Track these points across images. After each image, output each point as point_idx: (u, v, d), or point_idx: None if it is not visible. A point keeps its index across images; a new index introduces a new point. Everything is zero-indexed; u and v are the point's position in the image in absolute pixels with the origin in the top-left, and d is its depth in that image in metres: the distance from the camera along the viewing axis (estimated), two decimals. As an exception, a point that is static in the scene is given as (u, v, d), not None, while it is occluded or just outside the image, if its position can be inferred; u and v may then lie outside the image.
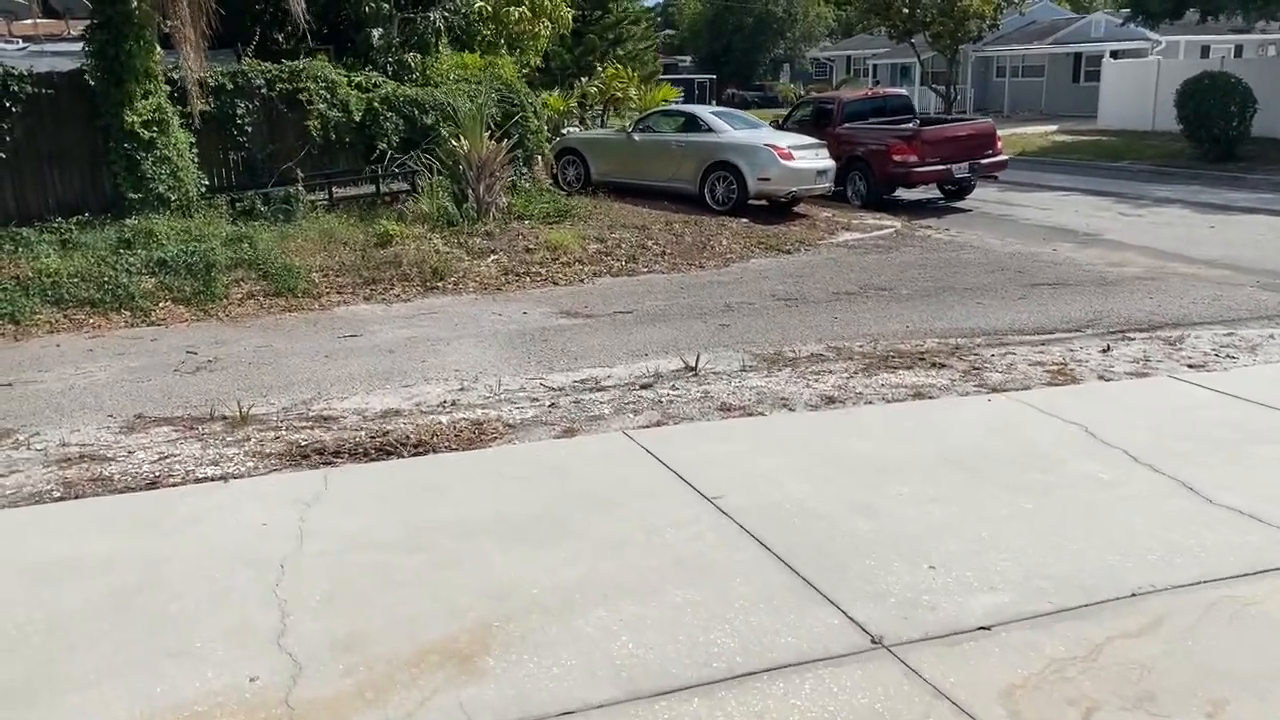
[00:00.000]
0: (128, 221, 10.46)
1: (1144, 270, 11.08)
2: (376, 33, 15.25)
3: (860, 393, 6.45)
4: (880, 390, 6.52)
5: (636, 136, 15.28)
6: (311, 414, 6.38)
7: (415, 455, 5.27)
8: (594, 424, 5.80)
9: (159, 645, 3.40)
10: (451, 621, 3.52)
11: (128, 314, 9.22)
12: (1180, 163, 21.22)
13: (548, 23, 16.24)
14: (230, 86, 12.11)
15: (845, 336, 8.28)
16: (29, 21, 15.16)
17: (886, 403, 6.24)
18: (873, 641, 3.43)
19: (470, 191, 11.75)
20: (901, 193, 16.61)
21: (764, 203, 14.47)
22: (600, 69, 17.18)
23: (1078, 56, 35.75)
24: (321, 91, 12.69)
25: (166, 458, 5.40)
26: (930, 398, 6.37)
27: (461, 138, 11.84)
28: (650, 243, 11.98)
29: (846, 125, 16.63)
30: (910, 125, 16.55)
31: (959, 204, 16.70)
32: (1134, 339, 8.04)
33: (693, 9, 68.64)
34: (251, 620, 3.54)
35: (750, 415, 5.96)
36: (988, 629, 3.52)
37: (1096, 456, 5.21)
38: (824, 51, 59.63)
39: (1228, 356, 7.38)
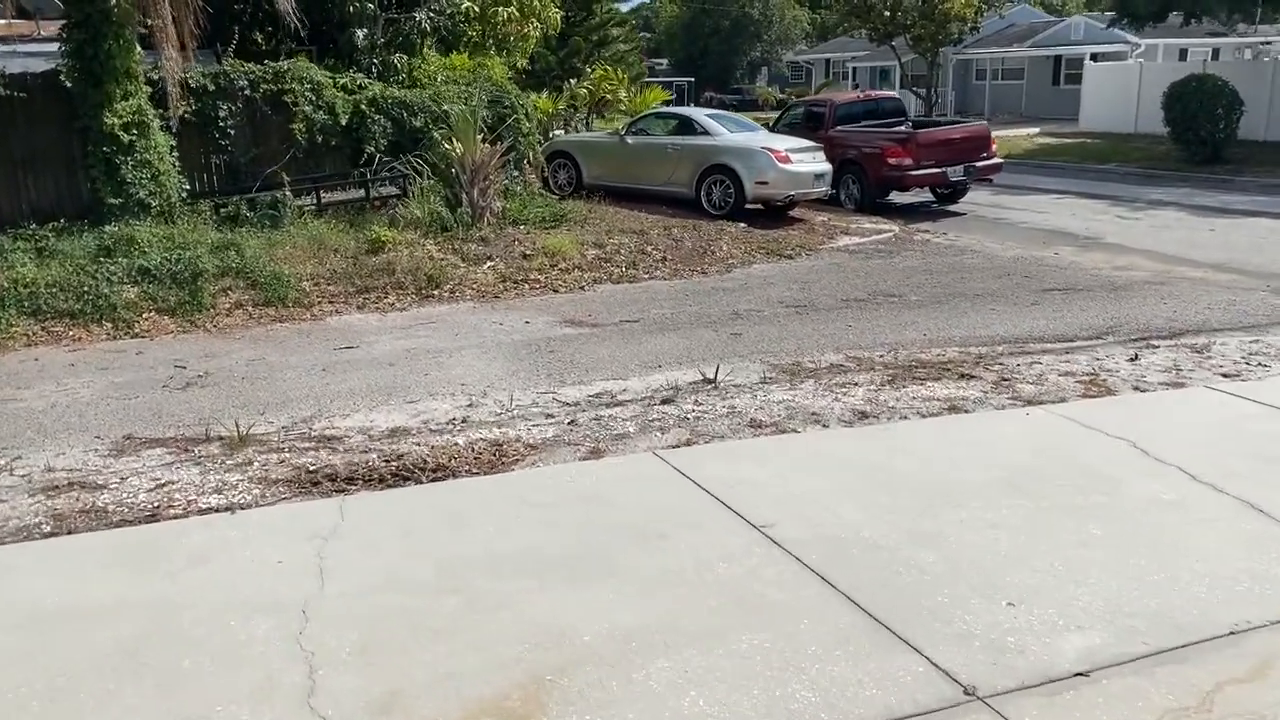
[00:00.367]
0: (107, 228, 10.00)
1: (1151, 274, 10.90)
2: (361, 33, 14.83)
3: (893, 406, 6.17)
4: (912, 404, 6.24)
5: (630, 139, 14.95)
6: (314, 434, 6.01)
7: (434, 480, 4.91)
8: (620, 444, 5.48)
9: (175, 709, 3.04)
10: (499, 676, 3.19)
11: (110, 326, 8.77)
12: (1168, 165, 21.19)
13: (536, 23, 15.90)
14: (212, 88, 11.68)
15: (863, 345, 8.01)
16: (1, 21, 14.62)
17: (922, 417, 5.96)
18: (965, 693, 3.13)
19: (464, 196, 11.38)
20: (895, 196, 16.40)
21: (759, 207, 14.20)
22: (590, 71, 16.85)
23: (1057, 59, 35.83)
24: (307, 93, 12.27)
25: (164, 485, 5.02)
26: (965, 411, 6.10)
27: (454, 140, 11.47)
28: (650, 248, 11.66)
29: (839, 128, 16.38)
30: (904, 128, 16.34)
31: (953, 207, 16.52)
32: (1159, 347, 7.82)
33: (669, 12, 68.52)
34: (276, 677, 3.19)
35: (783, 432, 5.65)
36: (1085, 675, 3.23)
37: (1154, 475, 4.95)
38: (802, 55, 59.66)
39: (1260, 365, 7.17)
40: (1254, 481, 4.87)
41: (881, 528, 4.29)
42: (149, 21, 10.23)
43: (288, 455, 5.48)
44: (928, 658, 3.31)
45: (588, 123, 20.99)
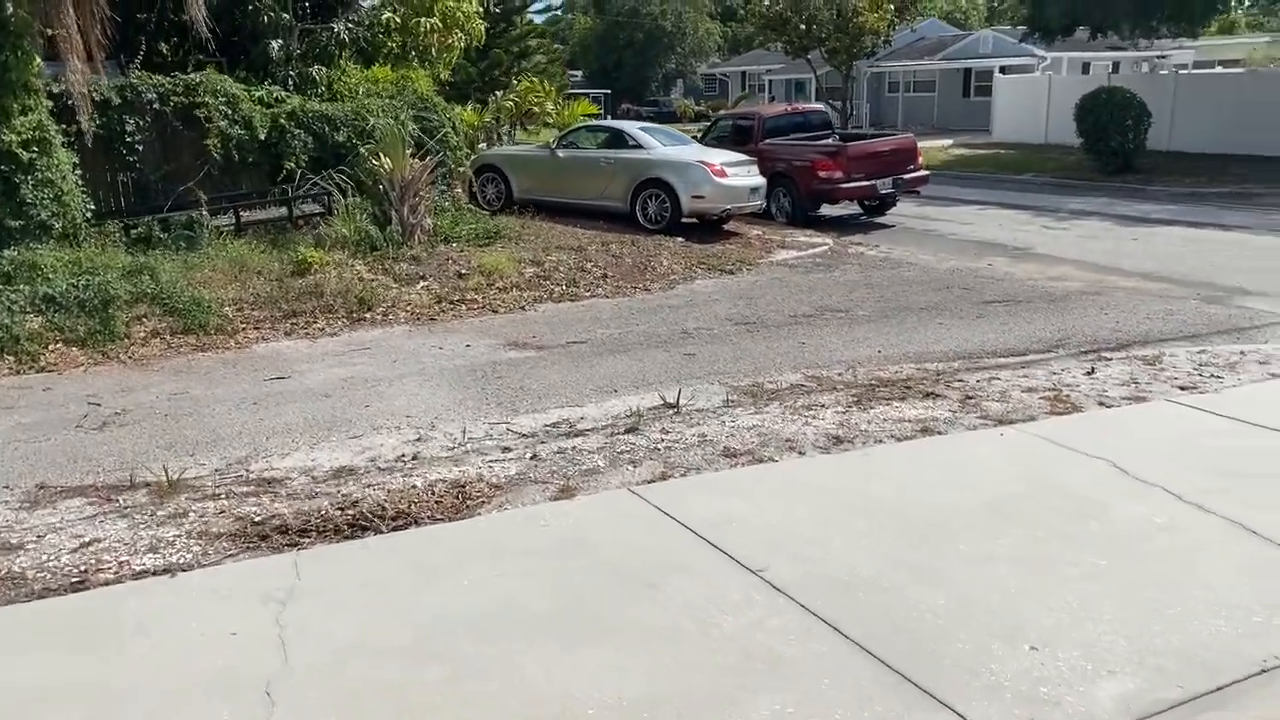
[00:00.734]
0: (6, 253, 9.26)
1: (1086, 285, 11.01)
2: (275, 44, 14.20)
3: (866, 430, 5.98)
4: (884, 426, 6.06)
5: (561, 153, 14.63)
6: (252, 477, 5.54)
7: (395, 529, 4.52)
8: (591, 480, 5.15)
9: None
10: (500, 761, 2.84)
11: (12, 360, 8.08)
12: (1081, 175, 21.72)
13: (461, 35, 15.47)
14: (118, 101, 10.98)
15: (820, 364, 7.83)
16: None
17: (897, 441, 5.78)
18: (1009, 754, 2.90)
19: (393, 213, 10.91)
20: (824, 209, 16.41)
21: (694, 221, 14.02)
22: (516, 83, 16.48)
23: (967, 72, 36.70)
24: (221, 107, 11.64)
25: (89, 543, 4.51)
26: (939, 433, 5.94)
27: (382, 156, 10.99)
28: (589, 265, 11.35)
29: (768, 141, 16.33)
30: (834, 141, 16.38)
31: (882, 220, 16.59)
32: (1111, 359, 7.82)
33: (583, 24, 68.35)
34: (243, 777, 2.79)
35: (759, 461, 5.41)
36: (1128, 727, 3.04)
37: (1140, 498, 4.84)
38: (717, 67, 60.08)
39: (1213, 376, 7.20)
40: (1237, 500, 4.79)
41: (881, 565, 4.06)
42: (50, 31, 9.54)
43: (227, 503, 5.02)
44: (961, 715, 3.07)
45: (511, 135, 20.62)
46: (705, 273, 11.59)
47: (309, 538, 4.44)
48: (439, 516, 4.65)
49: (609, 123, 16.90)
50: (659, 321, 9.39)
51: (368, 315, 9.47)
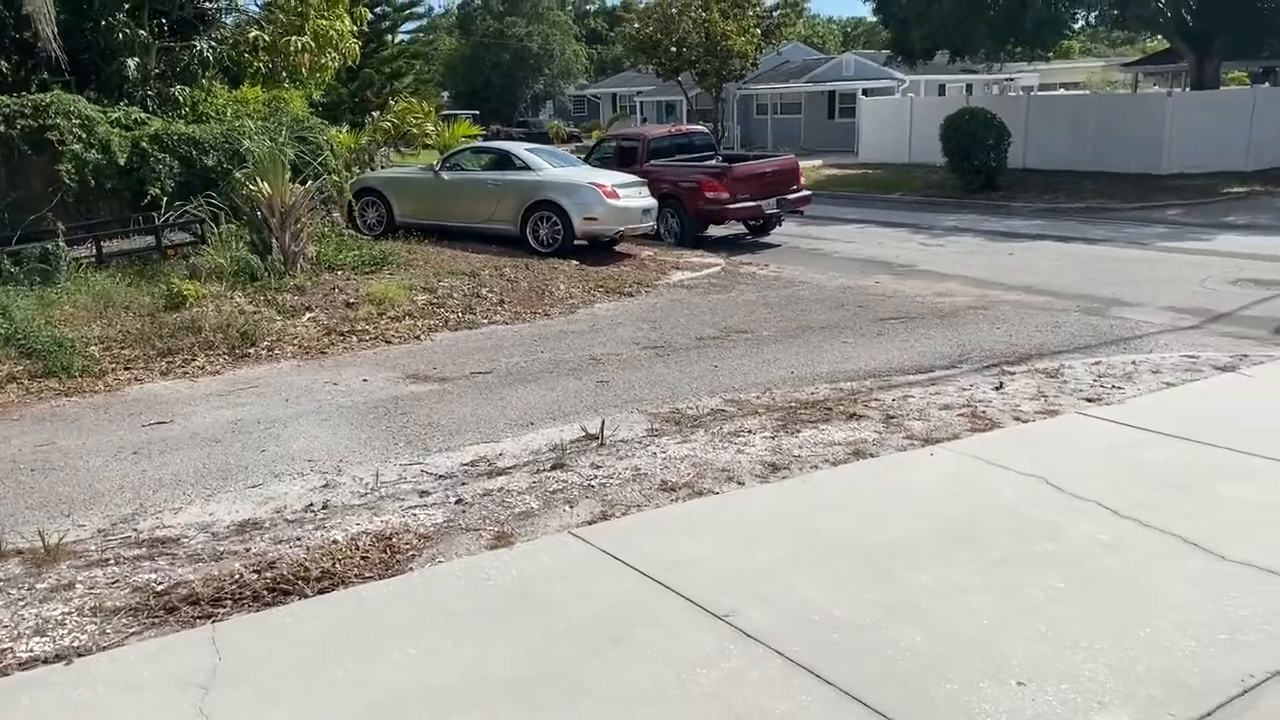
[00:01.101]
0: None
1: (973, 300, 11.29)
2: (132, 63, 13.34)
3: (799, 455, 5.85)
4: (816, 450, 5.95)
5: (445, 175, 14.18)
6: (143, 537, 4.99)
7: (322, 591, 4.09)
8: (527, 525, 4.83)
9: None
10: None
11: None
12: (948, 193, 22.54)
13: (334, 54, 14.85)
14: (-43, 123, 10.05)
15: (735, 387, 7.71)
16: None
17: (832, 465, 5.67)
18: (1028, 806, 2.75)
19: (274, 241, 10.28)
20: (711, 229, 16.46)
21: (585, 243, 13.81)
22: (394, 103, 15.94)
23: (832, 94, 37.82)
24: (75, 130, 10.81)
25: (-42, 629, 3.92)
26: (871, 455, 5.87)
27: (259, 180, 10.36)
28: (484, 290, 10.98)
29: (653, 163, 16.27)
30: (719, 162, 16.46)
31: (767, 240, 16.75)
32: (1014, 373, 7.96)
33: (449, 45, 67.48)
34: None
35: (700, 494, 5.19)
36: (1134, 763, 2.94)
37: (1080, 514, 4.86)
38: (588, 88, 60.24)
39: (1113, 387, 7.39)
40: (1169, 513, 4.86)
41: (849, 602, 3.90)
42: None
43: (118, 570, 4.47)
44: (968, 764, 2.92)
45: (387, 159, 19.96)
46: (605, 296, 11.37)
47: (224, 607, 3.97)
48: (368, 575, 4.25)
49: (495, 144, 16.53)
50: (565, 348, 9.11)
51: (252, 351, 8.85)
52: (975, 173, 22.25)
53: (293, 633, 3.72)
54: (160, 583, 4.24)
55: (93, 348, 8.44)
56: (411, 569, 4.32)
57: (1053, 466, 5.53)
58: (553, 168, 13.80)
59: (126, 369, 8.31)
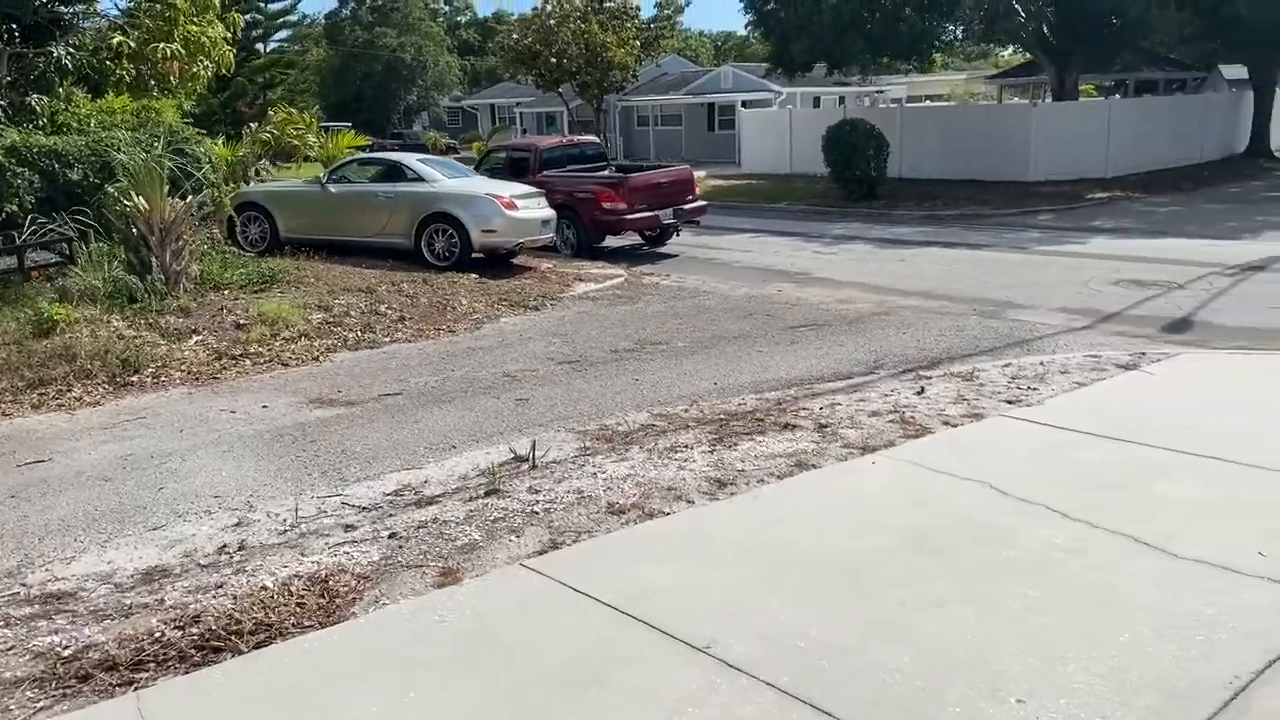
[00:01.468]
0: None
1: (874, 306, 11.44)
2: (-19, 70, 12.28)
3: (743, 470, 5.69)
4: (758, 464, 5.81)
5: (333, 188, 13.56)
6: (34, 593, 4.44)
7: (259, 646, 3.68)
8: (473, 558, 4.51)
9: None
10: None
11: None
12: (831, 202, 22.98)
13: (207, 62, 14.02)
14: None
15: (661, 401, 7.53)
16: None
17: (779, 479, 5.54)
18: (1062, 835, 2.63)
19: (153, 260, 9.56)
20: (608, 240, 16.29)
21: (482, 256, 13.42)
22: (273, 114, 15.16)
23: (711, 106, 38.25)
24: (-81, 141, 9.83)
25: None
26: (814, 466, 5.76)
27: (135, 195, 9.62)
28: (383, 307, 10.49)
29: (545, 173, 16.03)
30: (614, 172, 16.32)
31: (664, 250, 16.68)
32: (930, 378, 8.03)
33: (317, 55, 65.48)
34: None
35: (650, 516, 4.97)
36: (1151, 779, 2.86)
37: (1035, 519, 4.85)
38: (466, 99, 59.33)
39: (1029, 389, 7.51)
40: (1112, 513, 4.90)
41: (830, 624, 3.74)
42: None
43: (12, 634, 3.95)
44: (991, 794, 2.78)
45: (269, 171, 19.02)
46: (509, 310, 11.03)
47: (146, 671, 3.52)
48: (307, 623, 3.86)
49: (385, 155, 15.91)
50: (476, 365, 8.76)
51: (135, 378, 8.18)
52: (857, 182, 22.75)
53: (231, 694, 3.31)
54: (66, 646, 3.75)
55: (-50, 381, 7.64)
56: (354, 614, 3.95)
57: (993, 471, 5.54)
58: (447, 179, 13.37)
59: (-8, 403, 7.54)
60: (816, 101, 36.99)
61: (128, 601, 4.29)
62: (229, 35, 14.58)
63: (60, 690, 3.43)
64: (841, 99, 36.65)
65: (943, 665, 3.45)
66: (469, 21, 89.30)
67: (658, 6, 53.50)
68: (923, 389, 7.61)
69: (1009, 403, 7.14)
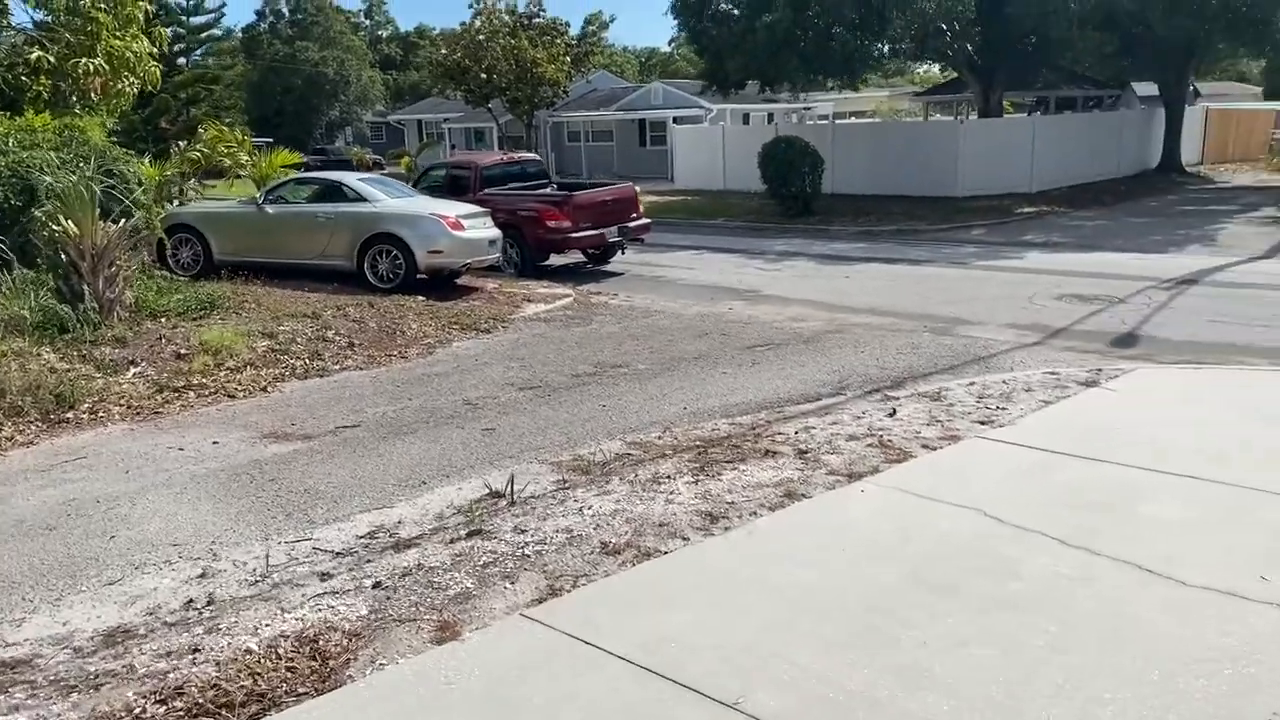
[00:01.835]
0: None
1: (826, 324, 11.42)
2: (-115, 85, 11.57)
3: (731, 501, 5.55)
4: (746, 495, 5.67)
5: (270, 209, 13.08)
6: (-16, 662, 4.06)
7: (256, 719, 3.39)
8: (467, 609, 4.26)
9: None
10: None
11: None
12: (768, 219, 23.07)
13: (132, 78, 13.43)
14: None
15: (631, 428, 7.34)
16: None
17: (770, 510, 5.40)
18: None
19: (85, 287, 9.04)
20: (552, 259, 16.07)
21: (424, 277, 13.08)
22: (202, 131, 14.58)
23: (643, 122, 38.28)
24: None
25: None
26: (804, 496, 5.64)
27: (63, 219, 9.09)
28: (330, 333, 10.11)
29: (487, 191, 15.75)
30: (558, 190, 16.12)
31: (608, 268, 16.52)
32: (898, 398, 8.00)
33: (235, 70, 63.85)
34: None
35: (647, 556, 4.78)
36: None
37: (1034, 548, 4.80)
38: (390, 115, 58.41)
39: (998, 408, 7.51)
40: (1112, 538, 4.89)
41: (858, 672, 3.61)
42: None
43: (-35, 714, 3.58)
44: None
45: (181, 191, 18.30)
46: (461, 333, 10.74)
47: (131, 755, 3.21)
48: (302, 690, 3.57)
49: (324, 174, 15.42)
50: (434, 393, 8.46)
51: (71, 415, 7.69)
52: (793, 198, 22.91)
53: (230, 781, 3.03)
54: (33, 727, 3.41)
55: None
56: (350, 677, 3.68)
57: (981, 496, 5.50)
58: (390, 198, 13.02)
59: (-88, 445, 7.01)
60: (746, 118, 37.29)
61: (92, 669, 3.94)
62: (155, 50, 14.00)
63: (34, 781, 3.10)
64: (771, 116, 37.06)
65: (980, 712, 3.34)
66: (390, 36, 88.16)
67: (585, 23, 53.53)
68: (894, 410, 7.57)
69: (981, 423, 7.14)
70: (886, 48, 24.49)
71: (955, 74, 34.95)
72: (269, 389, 8.63)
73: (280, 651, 3.86)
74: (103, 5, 13.45)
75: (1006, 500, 5.44)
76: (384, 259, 12.47)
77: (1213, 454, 6.16)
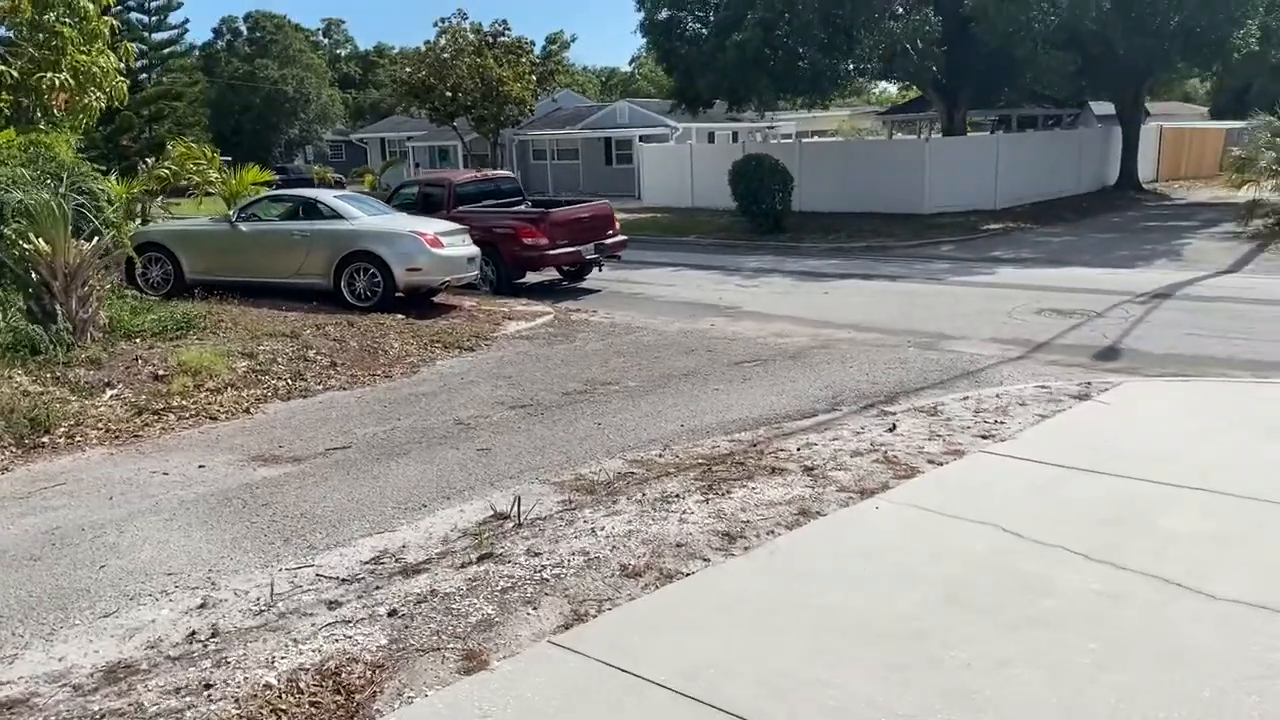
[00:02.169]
0: None
1: (811, 339, 11.39)
2: None
3: (746, 520, 5.43)
4: (760, 513, 5.56)
5: (244, 226, 12.79)
6: (-22, 703, 3.83)
7: (283, 762, 3.20)
8: (492, 637, 4.09)
9: None
10: None
11: None
12: (739, 236, 23.10)
13: (98, 94, 13.11)
14: None
15: (630, 445, 7.22)
16: None
17: (788, 529, 5.30)
18: None
19: (58, 308, 8.74)
20: (527, 276, 15.92)
21: (401, 295, 12.87)
22: (171, 148, 14.25)
23: (609, 141, 38.29)
24: None
25: None
26: (819, 514, 5.55)
27: (34, 238, 8.80)
28: (311, 352, 9.87)
29: (461, 209, 15.57)
30: (534, 207, 16.00)
31: (584, 285, 16.41)
32: (895, 413, 7.96)
33: (198, 86, 63.04)
34: None
35: (669, 578, 4.65)
36: None
37: (1060, 563, 4.74)
38: (352, 134, 57.93)
39: (997, 423, 7.48)
40: (1134, 552, 4.85)
41: (908, 695, 3.51)
42: None
43: (-35, 760, 3.35)
44: None
45: (146, 210, 17.89)
46: (444, 352, 10.55)
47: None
48: (332, 726, 3.40)
49: (300, 191, 15.16)
50: (423, 413, 8.27)
51: (46, 439, 7.41)
52: (765, 216, 22.97)
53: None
54: (42, 775, 3.20)
55: None
56: (380, 711, 3.50)
57: (996, 512, 5.44)
58: (367, 215, 12.80)
59: (-120, 473, 6.69)
60: (711, 137, 37.45)
61: (96, 708, 3.73)
62: (121, 66, 13.69)
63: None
64: (736, 135, 37.28)
65: (1039, 735, 3.25)
66: (349, 55, 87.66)
67: (547, 42, 53.64)
68: (894, 426, 7.52)
69: (982, 437, 7.10)
70: (854, 67, 24.71)
71: (916, 93, 35.46)
72: (252, 410, 8.39)
73: (302, 686, 3.68)
74: (68, 20, 13.14)
75: (1021, 515, 5.39)
76: (361, 277, 12.25)
77: (1215, 466, 6.17)
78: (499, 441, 7.40)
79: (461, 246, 12.79)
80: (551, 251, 14.89)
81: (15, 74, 12.69)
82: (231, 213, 13.24)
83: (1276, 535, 5.04)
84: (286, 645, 4.13)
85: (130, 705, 3.72)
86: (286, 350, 9.82)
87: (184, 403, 8.29)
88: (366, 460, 7.04)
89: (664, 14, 24.59)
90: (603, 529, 5.36)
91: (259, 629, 4.39)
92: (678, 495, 5.91)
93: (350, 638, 4.14)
